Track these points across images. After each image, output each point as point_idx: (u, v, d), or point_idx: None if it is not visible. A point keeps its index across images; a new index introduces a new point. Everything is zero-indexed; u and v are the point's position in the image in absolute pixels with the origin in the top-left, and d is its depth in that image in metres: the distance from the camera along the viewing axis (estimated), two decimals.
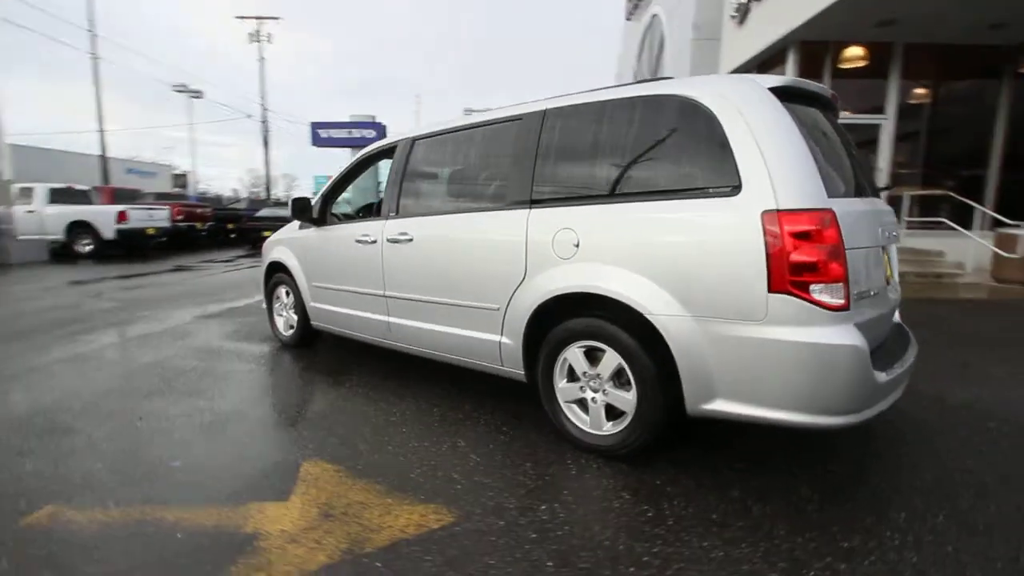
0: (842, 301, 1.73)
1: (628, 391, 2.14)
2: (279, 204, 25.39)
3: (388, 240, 3.02)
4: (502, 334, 2.52)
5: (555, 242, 2.26)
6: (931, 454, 2.29)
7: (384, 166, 3.71)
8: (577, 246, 2.19)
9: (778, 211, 1.74)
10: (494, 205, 2.57)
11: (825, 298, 1.72)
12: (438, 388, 3.12)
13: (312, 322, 3.89)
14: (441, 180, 2.96)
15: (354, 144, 32.90)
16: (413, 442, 2.41)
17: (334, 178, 3.72)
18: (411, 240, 2.89)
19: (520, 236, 2.38)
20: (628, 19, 16.15)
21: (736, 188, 1.84)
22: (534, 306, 2.33)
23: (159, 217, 12.62)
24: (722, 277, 1.85)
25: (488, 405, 2.84)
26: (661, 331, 1.96)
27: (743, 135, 1.86)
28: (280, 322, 4.27)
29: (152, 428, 2.59)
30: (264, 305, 4.50)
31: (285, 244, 4.05)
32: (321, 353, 3.97)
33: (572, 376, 2.34)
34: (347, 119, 32.30)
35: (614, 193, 2.16)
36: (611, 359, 2.17)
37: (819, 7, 7.11)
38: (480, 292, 2.57)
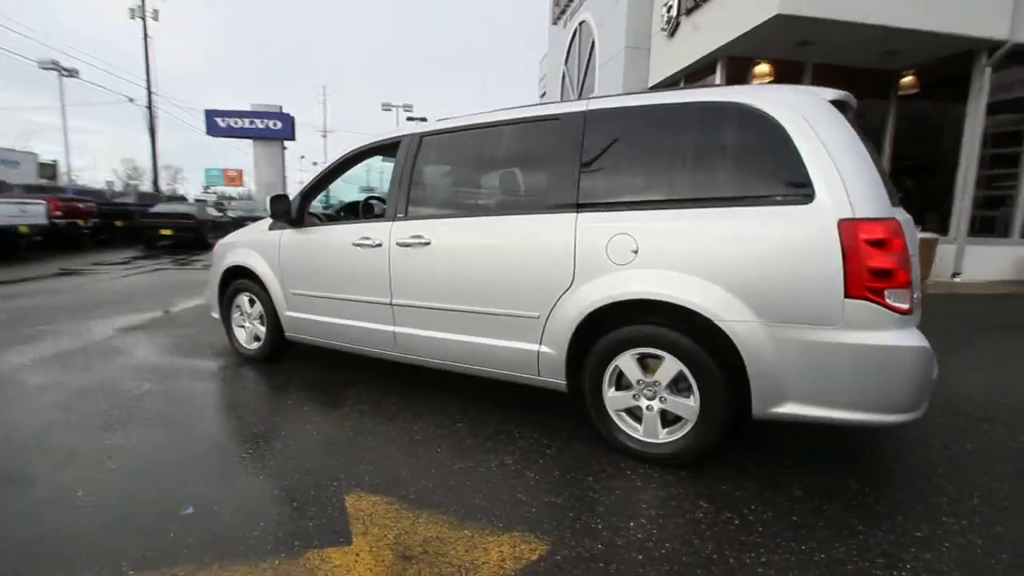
0: (908, 305, 1.83)
1: (688, 397, 2.13)
2: (177, 199, 22.89)
3: (397, 244, 2.77)
4: (541, 343, 2.41)
5: (610, 248, 2.19)
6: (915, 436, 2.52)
7: (371, 164, 3.44)
8: (636, 252, 2.14)
9: (855, 220, 1.81)
10: (530, 208, 2.45)
11: (896, 303, 1.81)
12: (449, 402, 2.92)
13: (287, 333, 3.50)
14: (460, 180, 2.78)
15: (258, 135, 30.88)
16: (456, 463, 2.22)
17: (316, 176, 3.37)
18: (427, 244, 2.67)
19: (567, 241, 2.29)
20: (554, 23, 16.46)
21: (808, 196, 1.89)
22: (584, 314, 2.25)
23: (33, 213, 10.79)
24: (796, 283, 1.89)
25: (514, 419, 2.70)
26: (732, 337, 1.97)
27: (814, 145, 1.91)
28: (241, 334, 3.80)
29: (131, 468, 2.17)
30: (216, 315, 3.99)
31: (250, 247, 3.60)
32: (292, 368, 3.58)
33: (621, 385, 2.29)
34: (248, 108, 29.71)
35: (674, 199, 2.13)
36: (670, 366, 2.14)
37: (746, 27, 7.68)
38: (516, 300, 2.44)
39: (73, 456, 2.26)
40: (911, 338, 1.82)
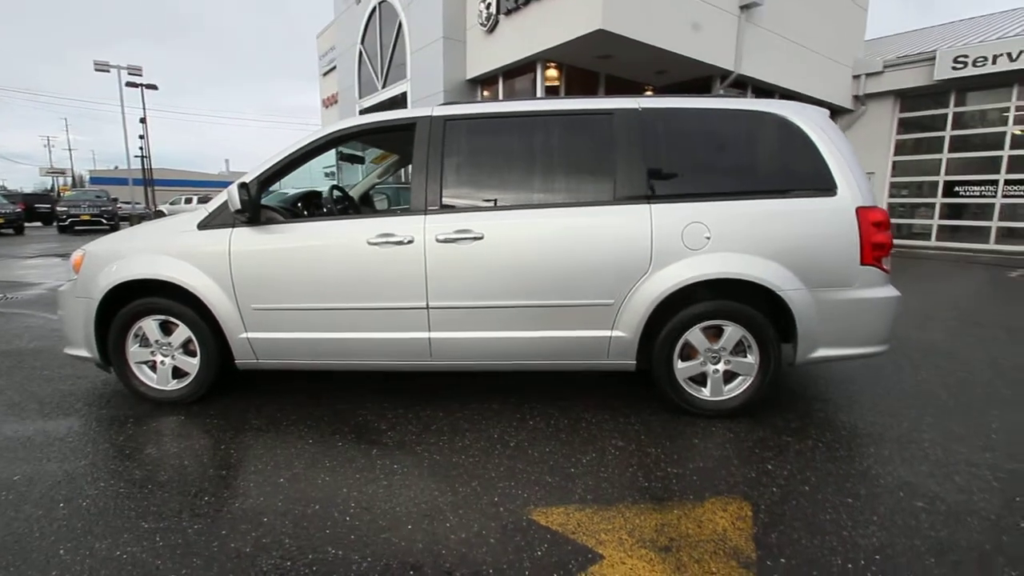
0: (889, 268, 2.59)
1: (747, 357, 2.57)
2: None
3: (438, 240, 2.49)
4: (614, 328, 2.54)
5: (685, 235, 2.44)
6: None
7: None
8: (709, 238, 2.44)
9: (866, 207, 2.46)
10: (598, 200, 2.51)
11: (887, 267, 2.54)
12: (488, 407, 2.79)
13: (240, 361, 2.76)
14: (506, 170, 2.61)
15: None
16: (579, 457, 2.21)
17: (276, 159, 2.69)
18: (479, 239, 2.48)
19: (643, 230, 2.45)
20: None
21: (831, 190, 2.47)
22: (663, 296, 2.46)
23: None
24: (828, 256, 2.47)
25: (571, 406, 2.76)
26: (788, 303, 2.46)
27: (832, 149, 2.50)
28: (152, 374, 2.81)
29: None
30: (77, 352, 2.85)
31: (165, 253, 2.68)
32: (231, 401, 2.85)
33: (686, 355, 2.59)
34: None
35: (734, 191, 2.50)
36: (733, 333, 2.54)
37: (568, 37, 8.64)
38: (590, 289, 2.50)
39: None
40: (894, 291, 2.58)
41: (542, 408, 2.71)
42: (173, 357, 2.80)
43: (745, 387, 2.59)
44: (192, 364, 2.78)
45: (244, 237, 2.63)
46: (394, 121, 2.70)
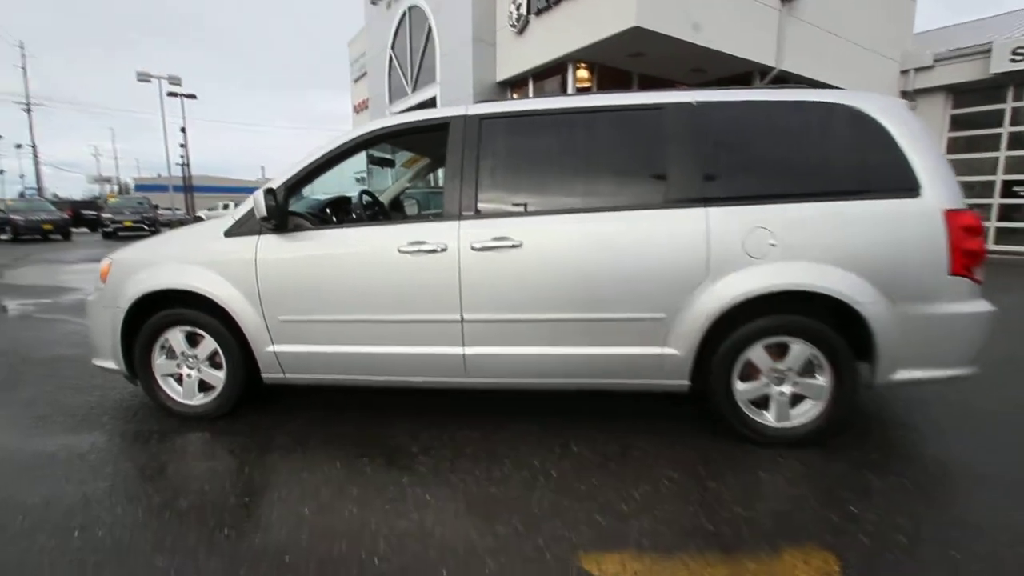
0: (982, 279, 2.28)
1: (817, 378, 2.29)
2: None
3: (474, 248, 2.31)
4: (665, 344, 2.30)
5: (746, 242, 2.19)
6: None
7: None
8: (774, 245, 2.19)
9: (956, 210, 2.16)
10: (647, 203, 2.29)
11: (979, 277, 2.23)
12: (523, 431, 2.59)
13: (266, 375, 2.63)
14: (546, 172, 2.41)
15: None
16: (630, 492, 1.98)
17: (305, 164, 2.56)
18: (517, 247, 2.29)
19: (699, 236, 2.21)
20: (373, 2, 15.41)
21: (915, 191, 2.18)
22: (723, 310, 2.21)
23: None
24: (911, 265, 2.18)
25: (625, 428, 2.53)
26: (866, 318, 2.17)
27: (914, 143, 2.21)
28: (178, 388, 2.72)
29: None
30: (105, 363, 2.77)
31: (191, 262, 2.57)
32: (254, 419, 2.72)
33: (747, 375, 2.34)
34: None
35: (803, 192, 2.23)
36: (801, 351, 2.27)
37: (601, 35, 8.41)
38: (637, 302, 2.27)
39: None
40: (986, 305, 2.27)
41: (586, 433, 2.48)
42: (199, 370, 2.69)
43: (815, 412, 2.31)
44: (218, 377, 2.67)
45: (271, 245, 2.50)
46: (426, 121, 2.53)
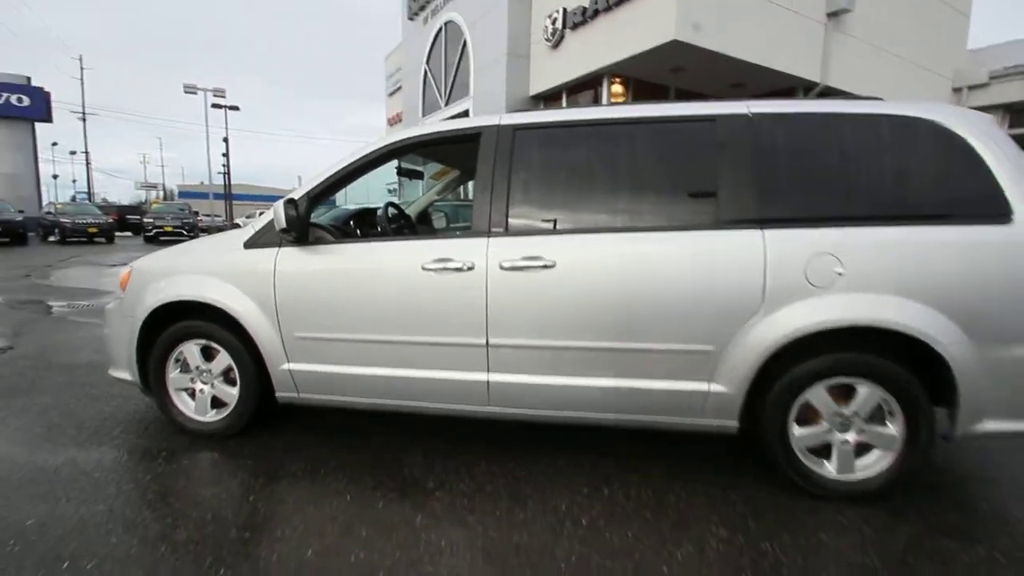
0: None
1: (887, 426, 2.02)
2: None
3: (502, 267, 2.13)
4: (712, 380, 2.06)
5: (809, 269, 1.95)
6: None
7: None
8: (841, 273, 1.94)
9: None
10: (695, 223, 2.07)
11: None
12: (548, 468, 2.38)
13: (280, 394, 2.50)
14: (584, 187, 2.23)
15: None
16: (674, 548, 1.74)
17: (329, 173, 2.44)
18: (550, 267, 2.10)
19: (754, 261, 1.98)
20: (411, 19, 15.65)
21: (1005, 216, 1.91)
22: (778, 345, 1.97)
23: None
24: (1002, 301, 1.89)
25: (661, 471, 2.29)
26: (948, 360, 1.90)
27: (1004, 164, 1.94)
28: (190, 403, 2.61)
29: None
30: (121, 374, 2.69)
31: (209, 274, 2.48)
32: (267, 439, 2.58)
33: (806, 419, 2.08)
34: None
35: (875, 215, 1.98)
36: (869, 394, 2.00)
37: (638, 49, 8.23)
38: (683, 331, 2.05)
39: None
40: None
41: (619, 474, 2.25)
42: (212, 385, 2.58)
43: (883, 464, 2.03)
44: (232, 394, 2.55)
45: (290, 258, 2.38)
46: (456, 131, 2.38)
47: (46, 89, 24.56)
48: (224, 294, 2.42)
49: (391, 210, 3.20)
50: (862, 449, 2.06)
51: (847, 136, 2.06)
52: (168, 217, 19.42)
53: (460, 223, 6.76)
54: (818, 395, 2.03)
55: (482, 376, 2.23)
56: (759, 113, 2.12)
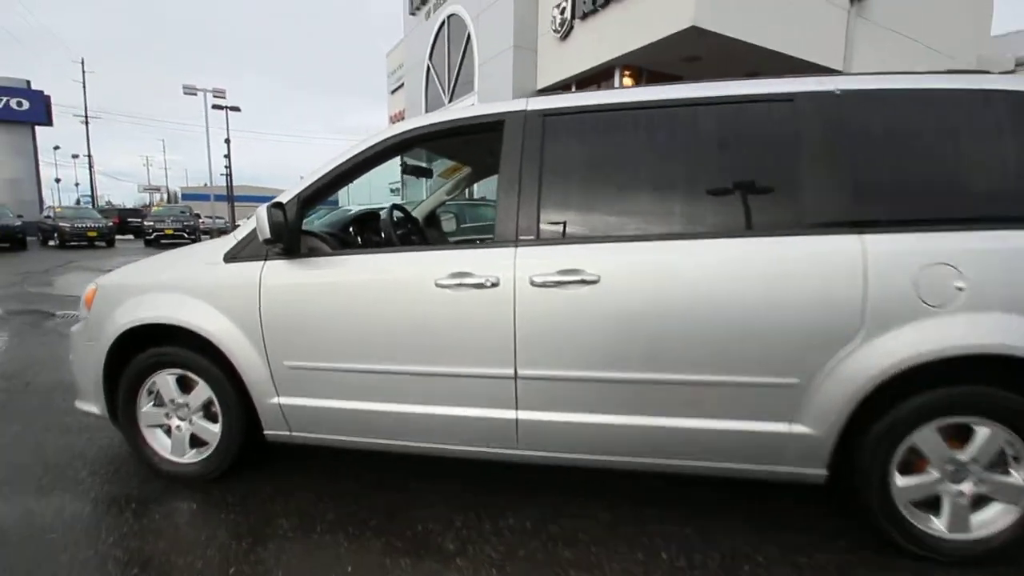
0: None
1: (1013, 475, 1.63)
2: None
3: (534, 283, 1.75)
4: (795, 420, 1.68)
5: (921, 282, 1.56)
6: None
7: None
8: (961, 288, 1.55)
9: None
10: (772, 227, 1.69)
11: None
12: (594, 513, 2.00)
13: (269, 432, 2.13)
14: (631, 185, 1.84)
15: None
16: None
17: (323, 173, 2.06)
18: (593, 282, 1.72)
19: (850, 274, 1.59)
20: (412, 13, 15.26)
21: None
22: (882, 377, 1.58)
23: None
24: None
25: (727, 526, 1.91)
26: None
27: None
28: (166, 440, 2.25)
29: None
30: (88, 407, 2.33)
31: (184, 291, 2.11)
32: (256, 484, 2.21)
33: (911, 467, 1.69)
34: None
35: (1002, 216, 1.59)
36: (990, 437, 1.61)
37: (654, 37, 7.83)
38: (759, 361, 1.66)
39: None
40: None
41: (677, 530, 1.86)
42: (191, 421, 2.21)
43: (1007, 521, 1.65)
44: (213, 432, 2.18)
45: (278, 272, 2.01)
46: (474, 119, 2.00)
47: (46, 92, 24.37)
48: (201, 316, 2.05)
49: (396, 214, 2.81)
50: (980, 502, 1.68)
51: (962, 118, 1.66)
52: (168, 220, 19.15)
53: (468, 223, 6.37)
54: (927, 437, 1.64)
55: (509, 414, 1.85)
56: (849, 90, 1.72)
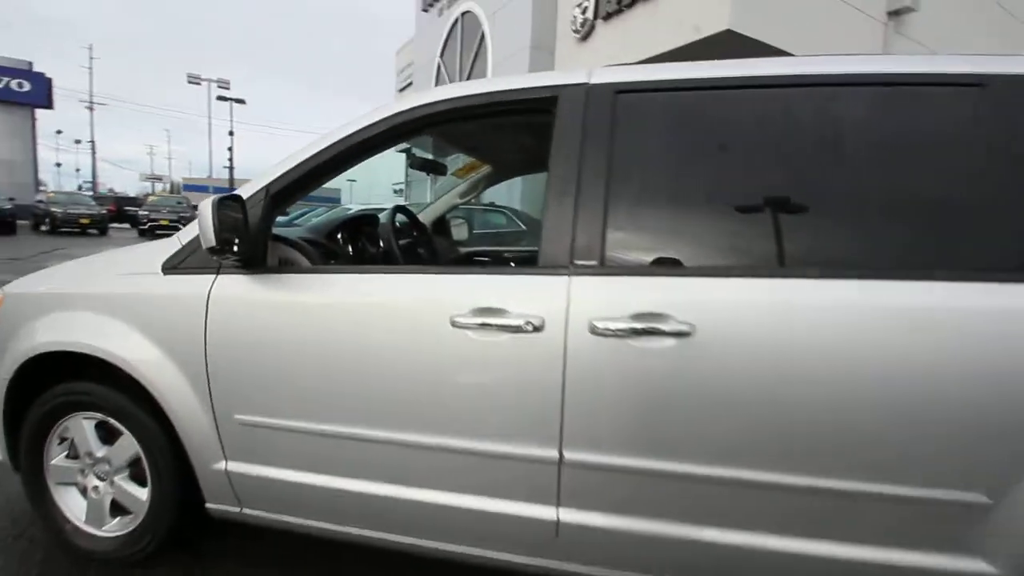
0: None
1: None
2: None
3: (595, 330, 1.20)
4: (978, 553, 1.12)
5: None
6: None
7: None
8: None
9: None
10: (954, 264, 1.14)
11: None
12: None
13: (215, 506, 1.57)
14: (740, 191, 1.29)
15: None
16: None
17: (297, 161, 1.51)
18: (686, 335, 1.17)
19: None
20: (425, 10, 14.82)
21: None
22: None
23: None
24: None
25: None
26: None
27: None
28: (79, 504, 1.69)
29: None
30: None
31: (110, 310, 1.55)
32: (195, 572, 1.65)
33: None
34: None
35: None
36: None
37: (684, 40, 7.33)
38: (927, 467, 1.11)
39: None
40: None
41: None
42: (112, 483, 1.65)
43: None
44: (139, 500, 1.62)
45: (233, 292, 1.45)
46: (514, 93, 1.44)
47: (48, 75, 23.91)
48: (124, 344, 1.50)
49: (399, 218, 2.24)
50: None
51: None
52: (164, 210, 18.60)
53: (478, 229, 5.82)
54: None
55: (548, 512, 1.30)
56: None
